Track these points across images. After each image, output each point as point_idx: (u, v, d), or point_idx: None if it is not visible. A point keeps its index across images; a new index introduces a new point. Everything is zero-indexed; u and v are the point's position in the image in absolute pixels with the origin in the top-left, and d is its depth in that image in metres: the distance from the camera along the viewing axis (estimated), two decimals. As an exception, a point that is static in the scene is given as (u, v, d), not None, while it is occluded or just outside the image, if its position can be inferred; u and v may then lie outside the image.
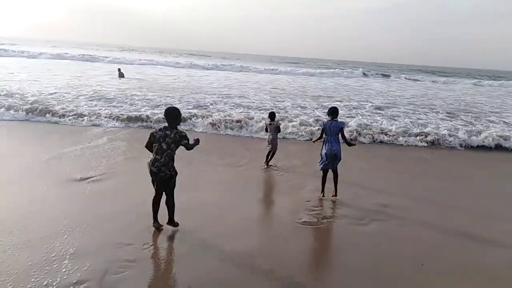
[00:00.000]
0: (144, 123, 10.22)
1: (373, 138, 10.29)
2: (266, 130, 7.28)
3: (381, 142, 10.15)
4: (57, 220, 4.37)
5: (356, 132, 10.49)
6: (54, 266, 3.48)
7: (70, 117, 10.24)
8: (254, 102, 14.93)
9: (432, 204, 5.89)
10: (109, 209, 4.79)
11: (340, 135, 5.56)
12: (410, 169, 8.15)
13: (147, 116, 10.72)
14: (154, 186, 4.20)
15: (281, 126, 7.89)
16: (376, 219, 5.10)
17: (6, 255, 3.60)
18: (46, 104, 11.29)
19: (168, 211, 4.30)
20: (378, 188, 6.41)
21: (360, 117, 13.35)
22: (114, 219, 4.52)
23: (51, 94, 13.24)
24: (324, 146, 5.60)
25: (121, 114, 10.77)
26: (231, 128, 10.20)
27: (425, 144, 10.17)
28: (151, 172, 4.08)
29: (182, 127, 7.77)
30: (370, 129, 10.95)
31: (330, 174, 5.73)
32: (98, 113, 10.77)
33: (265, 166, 7.18)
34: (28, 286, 3.17)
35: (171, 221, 4.34)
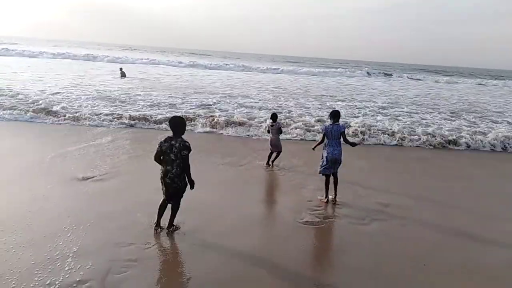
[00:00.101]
0: (147, 123, 10.26)
1: (376, 139, 10.23)
2: (268, 132, 7.27)
3: (382, 144, 10.10)
4: (61, 219, 4.41)
5: (360, 133, 10.47)
6: (57, 264, 3.51)
7: (73, 117, 10.28)
8: (257, 102, 14.93)
9: (433, 204, 5.90)
10: (112, 208, 4.83)
11: (342, 139, 5.56)
12: (411, 168, 8.15)
13: (150, 116, 10.77)
14: (164, 193, 4.21)
15: (283, 128, 7.88)
16: (377, 218, 5.12)
17: (10, 254, 3.64)
18: (49, 104, 11.37)
19: (171, 214, 4.32)
20: (379, 188, 6.42)
21: (363, 117, 13.34)
22: (116, 218, 4.55)
23: (55, 94, 13.32)
24: (325, 149, 5.59)
25: (124, 114, 10.83)
26: (233, 128, 10.22)
27: (432, 147, 10.07)
28: (165, 183, 4.10)
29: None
30: (373, 129, 10.91)
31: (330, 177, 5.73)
32: (101, 113, 10.83)
33: (266, 166, 7.19)
34: (31, 285, 3.21)
35: (170, 225, 4.36)
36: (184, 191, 4.22)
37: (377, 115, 13.88)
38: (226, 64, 39.64)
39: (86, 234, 4.11)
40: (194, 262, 3.77)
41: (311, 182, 6.31)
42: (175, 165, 4.03)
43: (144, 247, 3.93)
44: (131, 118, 10.45)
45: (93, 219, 4.48)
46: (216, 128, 10.12)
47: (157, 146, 4.09)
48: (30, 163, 6.42)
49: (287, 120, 11.27)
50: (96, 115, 10.57)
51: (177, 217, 4.41)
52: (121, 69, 22.05)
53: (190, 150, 4.08)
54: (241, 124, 10.57)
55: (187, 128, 4.35)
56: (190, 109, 12.31)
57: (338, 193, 5.66)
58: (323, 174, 5.66)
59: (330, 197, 5.65)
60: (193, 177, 4.20)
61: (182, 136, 4.13)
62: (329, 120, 5.70)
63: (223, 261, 3.79)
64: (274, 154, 7.19)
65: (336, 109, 5.92)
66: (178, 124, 4.11)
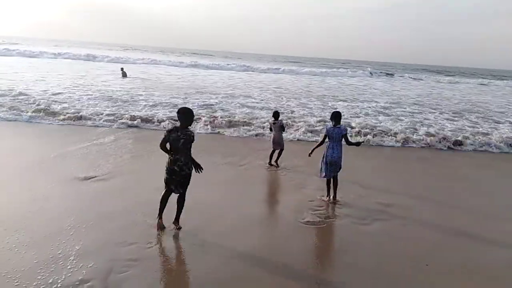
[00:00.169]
0: (149, 124, 10.26)
1: (377, 139, 10.17)
2: (271, 130, 7.29)
3: (384, 144, 10.08)
4: (63, 219, 4.43)
5: (363, 135, 10.44)
6: (60, 263, 3.53)
7: (75, 117, 10.30)
8: (259, 103, 14.94)
9: (434, 204, 5.90)
10: (113, 208, 4.85)
11: (344, 141, 5.55)
12: (412, 168, 8.16)
13: (152, 116, 10.80)
14: (166, 184, 4.26)
15: (285, 127, 7.87)
16: (379, 218, 5.12)
17: (13, 253, 3.67)
18: (51, 104, 11.43)
19: (177, 209, 4.39)
20: (380, 188, 6.42)
21: (365, 117, 13.35)
22: (118, 218, 4.57)
23: (57, 94, 13.35)
24: (326, 151, 5.59)
25: (125, 115, 10.86)
26: (234, 128, 10.23)
27: (434, 148, 9.97)
28: (172, 171, 4.15)
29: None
30: (375, 130, 10.89)
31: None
32: (103, 113, 10.86)
33: (268, 166, 7.20)
34: (34, 283, 3.23)
35: (177, 221, 4.40)
36: (190, 179, 4.31)
37: (379, 115, 13.87)
38: (228, 64, 39.67)
39: (88, 234, 4.13)
40: (195, 262, 3.79)
41: (312, 182, 6.32)
42: (183, 154, 4.14)
43: (145, 246, 3.94)
44: (132, 118, 10.46)
45: (95, 218, 4.51)
46: (218, 128, 10.15)
47: (164, 134, 4.18)
48: (32, 163, 6.45)
49: (289, 121, 11.26)
50: (98, 115, 10.60)
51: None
52: (122, 69, 22.11)
53: (194, 140, 4.23)
54: (242, 124, 10.59)
55: (190, 127, 4.39)
56: (192, 109, 12.27)
57: (339, 192, 5.67)
58: (323, 177, 5.67)
59: (330, 197, 5.67)
60: (193, 177, 4.25)
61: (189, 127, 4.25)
62: (330, 121, 5.68)
63: (223, 261, 3.79)
64: (277, 153, 7.19)
65: (338, 110, 5.89)
66: (185, 114, 4.20)
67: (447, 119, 14.20)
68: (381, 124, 12.04)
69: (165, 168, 4.20)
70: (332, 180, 5.64)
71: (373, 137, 10.20)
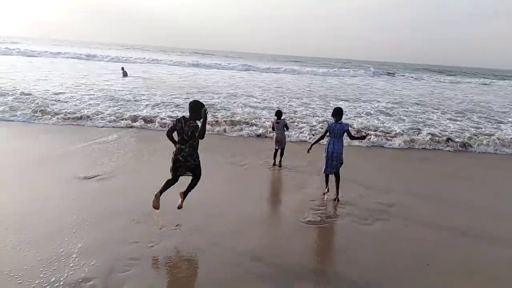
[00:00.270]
0: (151, 123, 10.23)
1: (380, 139, 10.06)
2: (273, 129, 7.24)
3: (386, 144, 10.03)
4: (65, 217, 4.44)
5: (364, 133, 10.42)
6: (62, 261, 3.54)
7: (77, 117, 10.30)
8: (261, 102, 14.94)
9: (436, 203, 5.89)
10: (115, 207, 4.86)
11: (347, 136, 5.55)
12: (414, 168, 8.15)
13: (154, 115, 10.80)
14: (171, 172, 4.34)
15: (288, 125, 7.84)
16: (380, 218, 5.12)
17: (15, 251, 3.68)
18: (53, 103, 11.46)
19: (188, 186, 4.45)
20: (382, 188, 6.42)
21: (367, 117, 13.33)
22: (120, 217, 4.58)
23: (59, 93, 13.38)
24: (327, 147, 5.61)
25: (127, 114, 10.87)
26: (236, 128, 10.21)
27: (436, 149, 9.88)
28: (177, 160, 4.25)
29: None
30: (377, 130, 10.85)
31: (332, 175, 5.75)
32: (105, 112, 10.88)
33: (272, 167, 7.16)
34: (36, 282, 3.24)
35: (184, 195, 4.47)
36: (200, 167, 4.39)
37: (381, 115, 13.86)
38: (229, 63, 39.68)
39: (90, 232, 4.14)
40: (195, 262, 3.80)
41: (314, 182, 6.31)
42: (188, 144, 4.23)
43: (147, 246, 3.95)
44: (134, 118, 10.47)
45: (96, 217, 4.52)
46: (220, 128, 10.14)
47: (173, 122, 4.32)
48: (33, 162, 6.47)
49: (291, 121, 11.23)
50: (100, 114, 10.60)
51: (178, 216, 4.47)
52: (122, 68, 22.17)
53: (198, 127, 4.21)
54: (244, 123, 10.58)
55: None
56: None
57: (341, 192, 5.67)
58: (324, 172, 5.69)
59: (331, 195, 5.68)
60: None
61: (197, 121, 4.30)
62: (332, 118, 5.69)
63: (223, 261, 3.79)
64: (279, 153, 7.18)
65: (339, 106, 5.88)
66: (193, 107, 4.28)
67: (450, 119, 14.17)
68: (384, 124, 12.01)
69: (171, 158, 4.32)
70: (334, 177, 5.65)
71: (376, 137, 10.10)
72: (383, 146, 9.64)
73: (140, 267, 3.57)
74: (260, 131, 10.08)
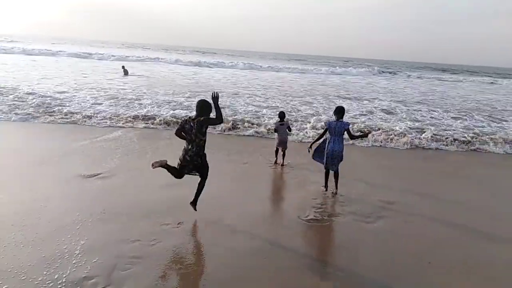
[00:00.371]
0: (152, 122, 10.23)
1: (382, 138, 9.99)
2: (275, 131, 7.10)
3: (388, 143, 9.99)
4: (67, 215, 4.46)
5: (367, 130, 10.39)
6: (65, 259, 3.57)
7: (79, 116, 10.32)
8: (264, 102, 14.90)
9: (438, 202, 5.89)
10: (117, 205, 4.88)
11: (347, 135, 5.56)
12: (416, 167, 8.14)
13: (155, 114, 10.81)
14: (178, 167, 4.43)
15: (291, 127, 7.81)
16: (382, 216, 5.12)
17: (19, 249, 3.71)
18: (55, 102, 11.49)
19: (196, 192, 4.54)
20: (384, 186, 6.41)
21: (370, 115, 13.30)
22: (122, 215, 4.60)
23: (60, 92, 13.39)
24: (327, 145, 5.61)
25: (129, 113, 10.90)
26: (239, 127, 10.22)
27: (454, 149, 9.80)
28: (184, 159, 4.35)
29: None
30: (381, 129, 10.81)
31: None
32: (107, 110, 10.92)
33: (274, 165, 7.16)
34: (40, 279, 3.26)
35: (194, 203, 4.56)
36: (206, 166, 4.48)
37: (383, 114, 13.83)
38: (231, 62, 39.65)
39: (93, 230, 4.17)
40: (196, 261, 3.81)
41: (315, 180, 6.31)
42: (194, 144, 4.30)
43: (148, 244, 3.96)
44: (136, 116, 10.49)
45: (99, 215, 4.54)
46: (223, 126, 10.12)
47: (180, 122, 4.43)
48: (36, 161, 6.50)
49: (293, 120, 11.23)
50: (101, 113, 10.63)
51: (179, 216, 4.52)
52: (123, 67, 22.17)
53: (206, 122, 4.26)
54: (247, 122, 10.57)
55: None
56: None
57: (343, 190, 5.68)
58: (325, 168, 5.71)
59: (330, 190, 5.73)
60: None
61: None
62: (333, 116, 5.70)
63: (225, 259, 3.79)
64: (281, 153, 7.16)
65: (341, 105, 5.91)
66: (201, 107, 4.34)
67: (454, 117, 14.12)
68: (386, 122, 11.98)
69: (179, 157, 4.42)
70: (333, 172, 5.67)
71: (378, 136, 10.07)
72: (386, 146, 9.61)
73: (142, 265, 3.58)
74: (262, 130, 10.07)
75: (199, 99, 4.53)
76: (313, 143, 5.88)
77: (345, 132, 5.55)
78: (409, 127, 11.41)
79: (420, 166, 8.27)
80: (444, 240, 4.60)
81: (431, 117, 13.84)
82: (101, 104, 11.91)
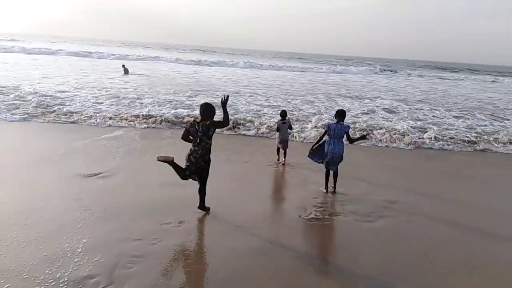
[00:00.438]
0: (153, 121, 10.21)
1: (383, 138, 9.95)
2: (277, 130, 7.13)
3: (390, 143, 9.97)
4: (69, 214, 4.47)
5: (365, 132, 10.34)
6: (67, 257, 3.57)
7: (80, 116, 10.31)
8: (265, 101, 14.89)
9: (438, 201, 5.88)
10: (118, 204, 4.89)
11: (346, 138, 5.58)
12: (417, 166, 8.14)
13: (156, 113, 10.79)
14: (187, 168, 4.48)
15: (293, 125, 7.82)
16: (383, 215, 5.12)
17: (21, 248, 3.71)
18: (56, 102, 11.50)
19: (200, 198, 4.62)
20: (385, 185, 6.41)
21: (371, 114, 13.28)
22: (123, 214, 4.61)
23: (61, 92, 13.38)
24: (326, 146, 5.62)
25: (130, 112, 10.90)
26: (239, 126, 10.19)
27: (456, 148, 9.75)
28: (190, 161, 4.41)
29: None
30: (382, 129, 10.76)
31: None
32: (108, 109, 10.92)
33: (277, 161, 7.22)
34: (42, 277, 3.27)
35: (202, 207, 4.66)
36: (207, 171, 4.54)
37: (385, 113, 13.81)
38: (232, 61, 39.61)
39: (94, 229, 4.17)
40: (197, 260, 3.81)
41: (316, 179, 6.31)
42: (200, 146, 4.36)
43: (150, 243, 3.97)
44: (137, 115, 10.49)
45: (100, 214, 4.55)
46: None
47: (186, 126, 4.52)
48: (37, 160, 6.51)
49: (295, 119, 11.21)
50: (102, 112, 10.63)
51: (180, 215, 4.54)
52: (123, 66, 22.18)
53: (211, 127, 4.35)
54: (248, 122, 10.56)
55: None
56: (198, 107, 12.28)
57: (344, 189, 5.68)
58: (325, 168, 5.73)
59: (328, 189, 5.76)
60: None
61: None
62: (334, 119, 5.72)
63: (223, 261, 3.78)
64: (282, 152, 7.17)
65: (342, 108, 5.97)
66: (204, 110, 4.44)
67: (456, 116, 14.09)
68: (389, 122, 11.95)
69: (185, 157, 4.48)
70: (332, 172, 5.71)
71: (380, 135, 10.04)
72: (388, 146, 9.59)
73: (143, 264, 3.59)
74: (264, 129, 10.05)
75: (203, 102, 4.61)
76: (313, 147, 5.92)
77: (345, 135, 5.57)
78: (411, 127, 11.38)
79: (422, 165, 8.26)
80: (446, 239, 4.60)
81: (433, 116, 13.81)
82: (102, 103, 11.90)
